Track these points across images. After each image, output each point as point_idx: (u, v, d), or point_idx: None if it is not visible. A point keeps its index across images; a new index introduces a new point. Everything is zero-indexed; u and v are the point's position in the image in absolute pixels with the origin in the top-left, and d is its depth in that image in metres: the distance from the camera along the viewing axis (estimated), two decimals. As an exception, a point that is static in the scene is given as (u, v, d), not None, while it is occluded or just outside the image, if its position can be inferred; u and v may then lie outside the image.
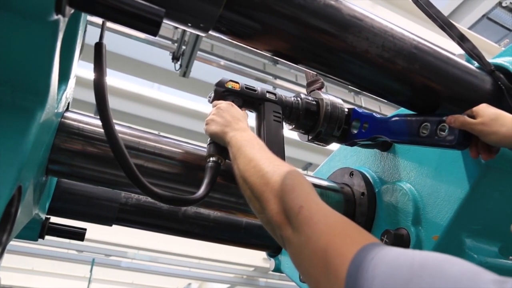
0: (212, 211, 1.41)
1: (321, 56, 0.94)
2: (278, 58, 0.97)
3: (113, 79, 5.53)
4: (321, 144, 1.26)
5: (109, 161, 0.95)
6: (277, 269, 1.60)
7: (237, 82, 1.14)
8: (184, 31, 4.07)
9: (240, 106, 1.10)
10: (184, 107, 6.05)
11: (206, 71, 4.96)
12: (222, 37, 0.88)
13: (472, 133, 0.94)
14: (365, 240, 0.56)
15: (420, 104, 1.09)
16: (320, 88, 1.30)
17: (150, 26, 0.62)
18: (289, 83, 4.95)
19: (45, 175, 0.95)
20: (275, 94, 1.18)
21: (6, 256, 0.71)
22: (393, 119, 1.11)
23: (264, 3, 0.81)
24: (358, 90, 1.16)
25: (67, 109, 1.02)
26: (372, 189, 1.30)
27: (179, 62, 4.35)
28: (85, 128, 0.95)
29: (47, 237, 1.22)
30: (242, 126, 0.98)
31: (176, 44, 4.30)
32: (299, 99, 1.22)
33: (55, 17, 0.55)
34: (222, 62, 4.61)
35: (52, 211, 1.20)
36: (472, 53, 1.10)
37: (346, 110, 1.24)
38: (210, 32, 0.83)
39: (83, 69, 3.58)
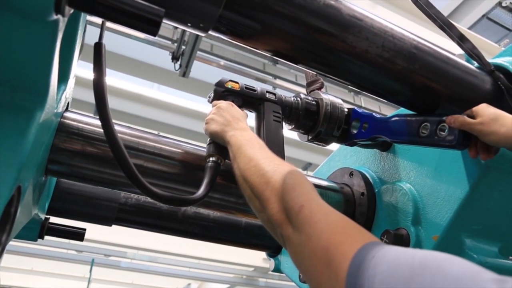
0: (212, 211, 1.41)
1: (321, 56, 0.94)
2: (278, 58, 0.97)
3: (113, 79, 5.53)
4: (321, 144, 1.26)
5: (108, 161, 0.95)
6: (277, 269, 1.60)
7: (236, 82, 1.14)
8: (183, 31, 4.07)
9: (240, 106, 1.10)
10: (183, 107, 6.05)
11: (206, 71, 4.96)
12: (222, 37, 0.88)
13: (472, 133, 0.94)
14: (366, 239, 0.56)
15: (420, 104, 1.09)
16: (320, 88, 1.30)
17: (150, 26, 0.62)
18: (289, 83, 4.96)
19: (45, 175, 0.94)
20: (274, 94, 1.18)
21: (5, 256, 0.71)
22: (393, 119, 1.11)
23: (264, 3, 0.81)
24: (358, 90, 1.16)
25: (66, 109, 1.02)
26: (372, 189, 1.30)
27: (178, 62, 4.35)
28: (85, 128, 0.95)
29: (46, 237, 1.21)
30: (242, 125, 0.98)
31: (175, 44, 4.30)
32: (298, 99, 1.22)
33: (55, 17, 0.55)
34: (222, 62, 4.61)
35: (51, 211, 1.20)
36: (472, 53, 1.10)
37: (346, 110, 1.24)
38: (210, 32, 0.83)
39: (82, 69, 3.57)
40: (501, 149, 0.99)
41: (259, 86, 1.17)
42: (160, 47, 4.40)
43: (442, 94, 1.05)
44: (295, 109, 1.20)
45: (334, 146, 1.43)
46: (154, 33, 0.63)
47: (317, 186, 1.29)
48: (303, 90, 1.41)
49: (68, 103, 1.05)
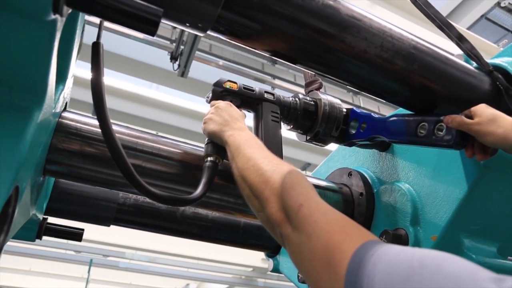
0: (210, 211, 1.41)
1: (319, 56, 0.94)
2: (276, 58, 0.97)
3: (111, 79, 5.53)
4: (319, 144, 1.26)
5: (106, 161, 0.94)
6: (276, 269, 1.60)
7: (235, 82, 1.14)
8: (182, 31, 4.07)
9: (238, 106, 1.10)
10: (182, 107, 6.06)
11: (204, 71, 4.96)
12: (221, 37, 0.88)
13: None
14: (365, 237, 0.56)
15: (418, 104, 1.09)
16: (318, 88, 1.30)
17: (148, 26, 0.62)
18: (288, 83, 4.96)
19: (43, 175, 0.94)
20: (273, 94, 1.18)
21: (3, 256, 0.71)
22: (391, 119, 1.11)
23: (262, 3, 0.81)
24: (357, 90, 1.16)
25: (64, 109, 1.01)
26: (371, 190, 1.30)
27: (177, 62, 4.35)
28: (83, 128, 0.95)
29: (44, 237, 1.21)
30: (240, 125, 0.98)
31: (174, 44, 4.31)
32: (297, 99, 1.22)
33: (53, 16, 0.55)
34: (221, 62, 4.61)
35: (49, 212, 1.19)
36: (471, 53, 1.10)
37: (344, 110, 1.24)
38: (209, 32, 0.83)
39: (80, 68, 3.57)
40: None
41: (257, 86, 1.17)
42: (158, 47, 4.40)
43: (440, 94, 1.05)
44: (293, 109, 1.20)
45: (332, 146, 1.43)
46: (153, 33, 0.63)
47: (315, 186, 1.28)
48: (302, 90, 1.41)
49: (66, 103, 1.04)
